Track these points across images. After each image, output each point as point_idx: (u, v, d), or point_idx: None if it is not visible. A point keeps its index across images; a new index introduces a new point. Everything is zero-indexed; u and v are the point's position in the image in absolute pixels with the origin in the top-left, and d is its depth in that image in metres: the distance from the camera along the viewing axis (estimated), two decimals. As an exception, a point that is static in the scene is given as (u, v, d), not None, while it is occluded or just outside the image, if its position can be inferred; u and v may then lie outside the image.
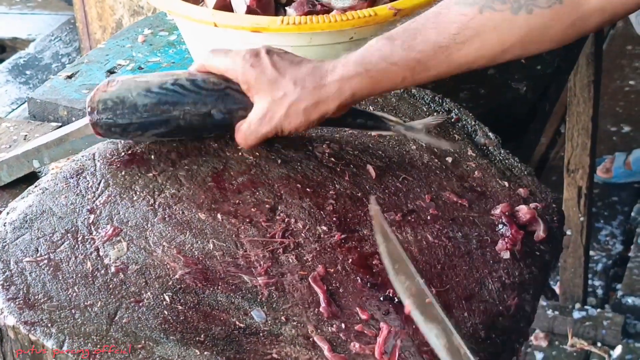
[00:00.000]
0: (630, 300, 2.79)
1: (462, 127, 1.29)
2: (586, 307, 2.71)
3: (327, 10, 1.41)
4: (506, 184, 1.19)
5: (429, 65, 1.08)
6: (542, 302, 2.73)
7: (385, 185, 1.16)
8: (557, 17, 1.05)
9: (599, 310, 2.71)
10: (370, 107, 1.29)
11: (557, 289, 2.76)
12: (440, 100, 1.32)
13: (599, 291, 2.83)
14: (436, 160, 1.21)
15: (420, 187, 1.17)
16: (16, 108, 3.66)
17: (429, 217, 1.13)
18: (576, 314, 2.69)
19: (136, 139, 1.15)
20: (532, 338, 2.69)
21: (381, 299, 1.02)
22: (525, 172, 1.22)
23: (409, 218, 1.12)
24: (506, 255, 1.09)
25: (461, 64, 1.09)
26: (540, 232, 1.11)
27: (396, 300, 1.02)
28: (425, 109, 1.30)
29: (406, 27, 1.11)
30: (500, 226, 1.11)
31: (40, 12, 5.16)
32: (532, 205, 1.16)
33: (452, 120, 1.29)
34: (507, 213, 1.12)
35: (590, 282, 2.82)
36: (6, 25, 5.00)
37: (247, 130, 1.13)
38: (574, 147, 2.45)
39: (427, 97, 1.32)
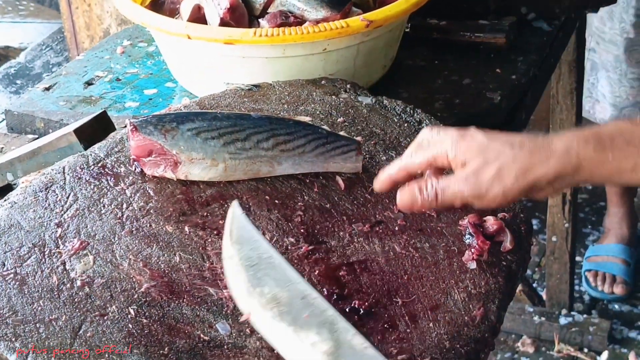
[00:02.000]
0: (616, 305, 2.80)
1: (433, 138, 1.29)
2: (572, 312, 2.72)
3: (300, 22, 1.42)
4: (475, 194, 1.20)
5: None
6: (529, 309, 2.73)
7: (354, 197, 1.17)
8: None
9: (585, 316, 2.71)
10: (340, 118, 1.30)
11: (543, 295, 2.77)
12: (412, 111, 1.33)
13: (586, 297, 2.83)
14: (405, 171, 1.22)
15: (389, 198, 1.18)
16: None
17: (396, 228, 1.13)
18: (562, 320, 2.69)
19: (171, 134, 1.12)
20: (519, 344, 2.70)
21: (347, 310, 1.03)
22: (494, 182, 1.22)
23: (377, 229, 1.13)
24: (472, 265, 1.09)
25: None
26: (507, 243, 1.12)
27: (362, 311, 1.03)
28: (396, 120, 1.31)
29: None
30: (467, 236, 1.12)
31: (32, 21, 5.18)
32: (500, 214, 1.17)
33: (423, 130, 1.30)
34: (474, 223, 1.13)
35: (576, 287, 2.83)
36: (-2, 34, 5.01)
37: (444, 186, 1.01)
38: (558, 154, 2.45)
39: (398, 108, 1.33)
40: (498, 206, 1.02)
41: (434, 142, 1.04)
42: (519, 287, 2.71)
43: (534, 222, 3.10)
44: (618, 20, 2.52)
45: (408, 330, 1.02)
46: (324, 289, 1.04)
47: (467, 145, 1.01)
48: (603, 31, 2.58)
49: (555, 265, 2.65)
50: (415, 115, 1.32)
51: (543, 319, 2.70)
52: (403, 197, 1.04)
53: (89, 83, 1.62)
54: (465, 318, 1.04)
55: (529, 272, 2.94)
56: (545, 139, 0.99)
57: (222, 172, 1.14)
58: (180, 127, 1.12)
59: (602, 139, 0.97)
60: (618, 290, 2.77)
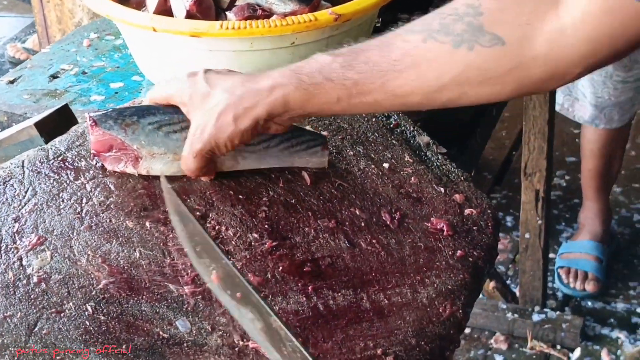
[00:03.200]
0: (589, 302, 2.80)
1: (401, 133, 1.28)
2: (545, 309, 2.71)
3: (268, 15, 1.40)
4: (442, 189, 1.19)
5: (364, 89, 1.03)
6: (502, 305, 2.73)
7: (320, 192, 1.16)
8: (497, 59, 0.98)
9: (558, 312, 2.71)
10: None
11: (517, 292, 2.76)
12: (380, 106, 1.31)
13: (559, 294, 2.83)
14: (373, 166, 1.20)
15: (356, 193, 1.16)
16: (-24, 112, 3.62)
17: (362, 224, 1.12)
18: (536, 317, 2.69)
19: (132, 128, 1.10)
20: (492, 341, 2.69)
21: (310, 306, 1.01)
22: (462, 178, 1.21)
23: (343, 225, 1.11)
24: (439, 262, 1.08)
25: (396, 95, 1.02)
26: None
27: (326, 308, 1.01)
28: (364, 115, 1.29)
29: (352, 47, 1.06)
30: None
31: (6, 15, 5.12)
32: (467, 211, 1.16)
33: (391, 126, 1.28)
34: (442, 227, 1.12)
35: (550, 284, 2.83)
36: (-30, 28, 4.95)
37: (185, 152, 1.09)
38: (531, 151, 2.45)
39: (366, 103, 1.31)
40: (236, 142, 1.09)
41: (170, 82, 1.12)
42: (493, 284, 2.70)
43: (508, 219, 3.10)
44: None
45: (373, 327, 1.00)
46: (288, 286, 1.03)
47: (191, 94, 1.09)
48: None
49: (529, 262, 2.65)
50: (383, 109, 1.31)
51: (516, 315, 2.70)
52: None
53: (54, 76, 1.59)
54: (431, 315, 1.03)
55: (502, 269, 2.93)
56: (256, 79, 1.07)
57: None
58: (140, 121, 1.10)
59: (302, 79, 1.04)
60: (590, 287, 2.77)
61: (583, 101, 2.67)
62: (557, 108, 2.60)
